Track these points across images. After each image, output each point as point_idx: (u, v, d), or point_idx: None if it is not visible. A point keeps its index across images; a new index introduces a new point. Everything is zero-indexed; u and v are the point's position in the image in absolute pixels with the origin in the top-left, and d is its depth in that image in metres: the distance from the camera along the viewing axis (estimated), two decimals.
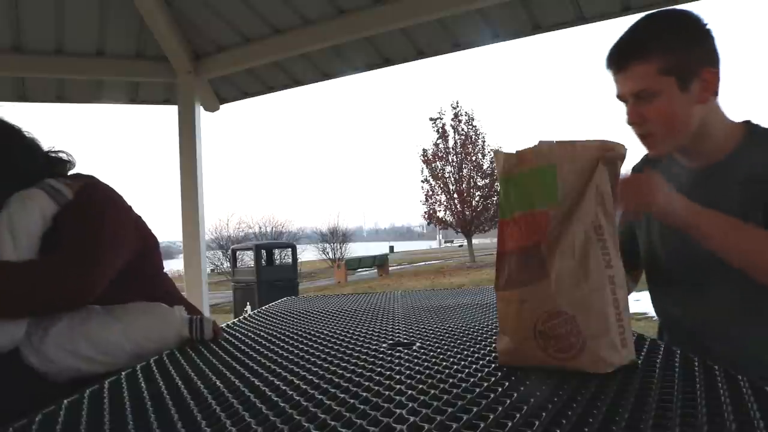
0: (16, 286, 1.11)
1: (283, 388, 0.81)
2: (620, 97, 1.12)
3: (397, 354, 1.01)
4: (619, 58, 1.10)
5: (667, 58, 1.05)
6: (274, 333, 1.35)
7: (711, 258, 1.04)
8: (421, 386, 0.77)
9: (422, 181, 28.13)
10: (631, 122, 1.11)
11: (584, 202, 0.79)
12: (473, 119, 28.06)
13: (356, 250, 33.63)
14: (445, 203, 28.04)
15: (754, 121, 1.14)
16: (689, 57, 1.06)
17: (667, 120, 1.08)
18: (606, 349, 0.78)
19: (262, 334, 1.36)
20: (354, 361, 0.97)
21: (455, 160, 27.85)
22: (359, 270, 23.42)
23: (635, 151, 1.17)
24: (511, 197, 0.83)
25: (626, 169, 1.35)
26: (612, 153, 0.81)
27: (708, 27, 1.08)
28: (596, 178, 0.79)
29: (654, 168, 1.30)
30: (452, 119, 28.04)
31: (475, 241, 29.89)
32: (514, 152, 0.83)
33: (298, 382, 0.84)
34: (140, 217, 1.40)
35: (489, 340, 1.11)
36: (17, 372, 1.12)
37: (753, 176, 1.05)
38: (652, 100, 1.07)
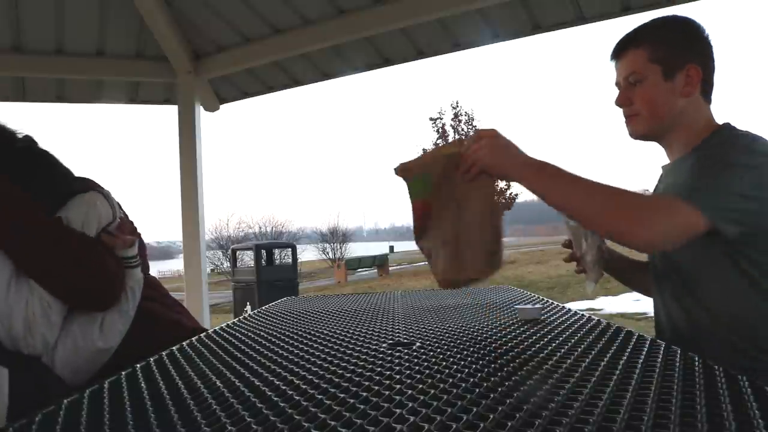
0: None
1: (283, 388, 0.81)
2: (617, 84, 1.24)
3: (397, 354, 1.01)
4: (619, 47, 1.23)
5: (656, 48, 1.16)
6: (274, 333, 1.36)
7: (705, 259, 1.08)
8: (421, 386, 0.77)
9: None
10: (618, 104, 1.24)
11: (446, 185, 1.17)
12: (473, 119, 28.07)
13: (356, 250, 33.62)
14: None
15: (733, 124, 1.16)
16: (678, 51, 1.16)
17: (650, 103, 1.18)
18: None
19: (262, 334, 1.36)
20: (354, 361, 0.97)
21: None
22: (359, 270, 23.41)
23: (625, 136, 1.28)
24: (413, 190, 1.18)
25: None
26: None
27: (706, 35, 1.18)
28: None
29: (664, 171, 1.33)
30: (452, 119, 28.04)
31: None
32: (409, 160, 1.19)
33: (298, 382, 0.84)
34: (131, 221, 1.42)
35: (489, 340, 1.11)
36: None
37: (695, 165, 1.09)
38: (639, 84, 1.19)
